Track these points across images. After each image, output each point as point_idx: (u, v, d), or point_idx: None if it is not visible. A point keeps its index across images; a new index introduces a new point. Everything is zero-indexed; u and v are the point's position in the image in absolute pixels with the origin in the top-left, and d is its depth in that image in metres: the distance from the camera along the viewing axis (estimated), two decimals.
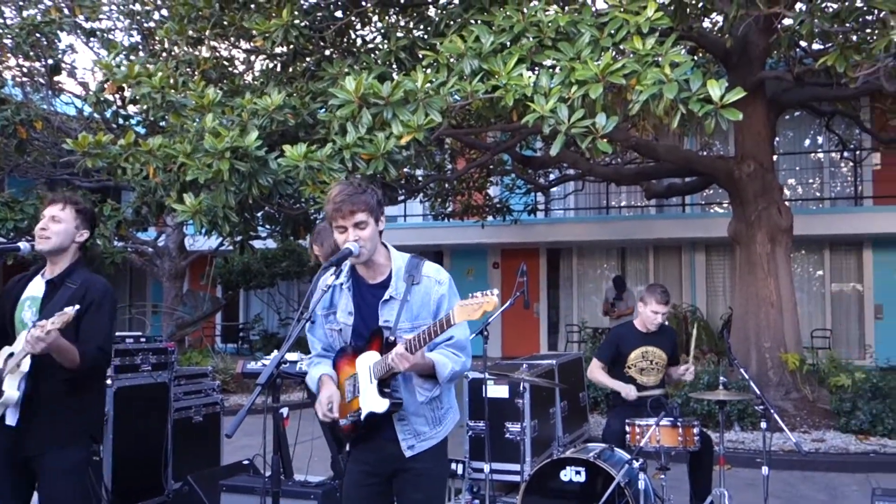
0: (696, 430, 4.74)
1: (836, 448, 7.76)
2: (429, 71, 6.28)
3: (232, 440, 2.63)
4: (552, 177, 14.80)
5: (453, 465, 5.94)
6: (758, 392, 4.86)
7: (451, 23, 7.37)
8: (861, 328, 14.89)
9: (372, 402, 2.86)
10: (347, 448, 3.06)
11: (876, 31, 6.56)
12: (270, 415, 2.80)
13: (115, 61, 8.08)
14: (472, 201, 14.25)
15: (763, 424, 4.74)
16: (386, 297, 2.92)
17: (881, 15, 6.21)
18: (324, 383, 2.97)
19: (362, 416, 2.89)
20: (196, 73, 8.40)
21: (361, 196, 2.85)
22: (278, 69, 8.89)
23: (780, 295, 9.47)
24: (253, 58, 9.61)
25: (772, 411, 4.70)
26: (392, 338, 2.83)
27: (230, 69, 9.33)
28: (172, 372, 5.69)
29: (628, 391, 5.16)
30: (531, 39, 6.13)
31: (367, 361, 2.89)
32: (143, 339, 5.65)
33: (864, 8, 6.50)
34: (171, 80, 7.23)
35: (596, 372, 5.41)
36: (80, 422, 3.32)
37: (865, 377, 8.74)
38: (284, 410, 2.85)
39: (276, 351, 2.71)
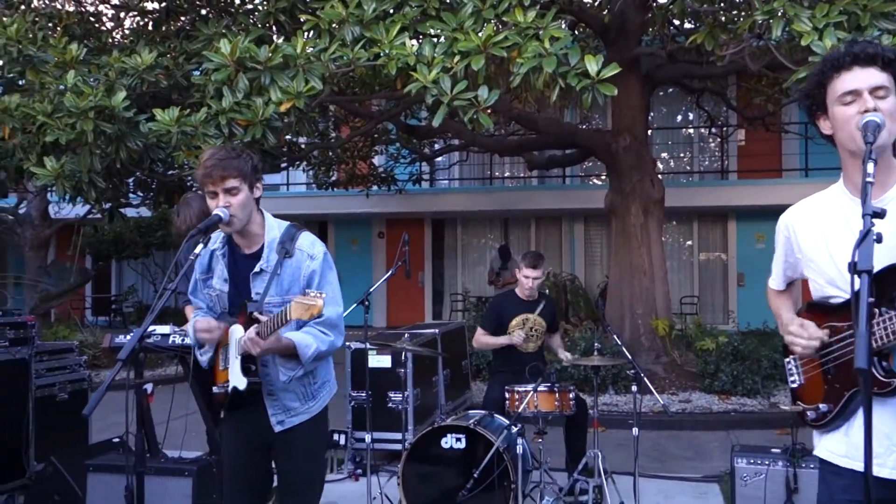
0: (571, 395, 4.90)
1: (701, 408, 8.23)
2: (310, 36, 6.09)
3: (103, 417, 2.50)
4: (437, 146, 14.81)
5: (336, 436, 5.93)
6: (629, 357, 5.07)
7: None
8: (725, 295, 15.81)
9: (235, 377, 2.81)
10: (222, 415, 2.98)
11: (742, 13, 6.86)
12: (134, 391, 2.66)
13: None
14: (356, 170, 14.07)
15: (634, 388, 4.94)
16: (257, 269, 2.84)
17: None
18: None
19: (228, 389, 2.83)
20: (58, 28, 7.83)
21: (234, 161, 2.75)
22: (150, 27, 8.42)
23: (652, 264, 9.85)
24: (122, 15, 9.06)
25: (642, 375, 4.91)
26: (255, 313, 2.75)
27: (97, 26, 8.76)
28: (33, 347, 5.34)
29: (517, 338, 5.31)
30: (414, 8, 6.04)
31: (237, 335, 2.81)
32: None
33: None
34: (31, 35, 6.70)
35: (481, 337, 5.55)
36: None
37: (728, 341, 9.27)
38: (149, 386, 2.71)
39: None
